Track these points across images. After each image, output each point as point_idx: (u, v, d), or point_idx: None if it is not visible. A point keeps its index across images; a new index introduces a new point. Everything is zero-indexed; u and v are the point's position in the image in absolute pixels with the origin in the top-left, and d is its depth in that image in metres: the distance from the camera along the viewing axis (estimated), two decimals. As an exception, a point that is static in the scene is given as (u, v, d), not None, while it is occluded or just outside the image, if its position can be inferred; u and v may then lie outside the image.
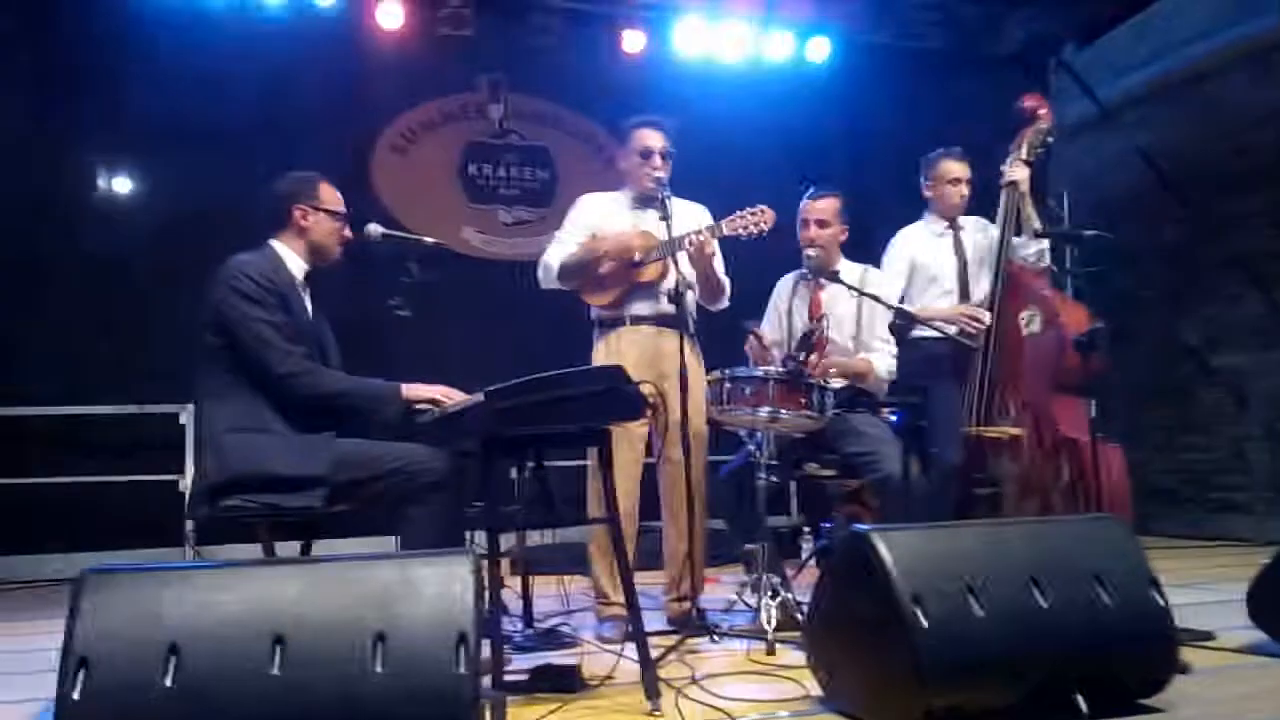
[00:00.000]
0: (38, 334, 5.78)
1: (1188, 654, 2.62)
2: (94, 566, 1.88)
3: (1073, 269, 3.93)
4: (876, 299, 3.65)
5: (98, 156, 6.20)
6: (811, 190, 4.03)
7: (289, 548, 3.05)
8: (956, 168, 4.21)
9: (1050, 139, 4.17)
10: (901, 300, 4.18)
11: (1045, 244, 4.09)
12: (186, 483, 5.55)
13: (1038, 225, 4.03)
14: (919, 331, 3.93)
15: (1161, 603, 2.31)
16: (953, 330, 3.85)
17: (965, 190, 4.22)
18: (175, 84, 5.98)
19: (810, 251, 3.87)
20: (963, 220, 4.26)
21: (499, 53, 6.86)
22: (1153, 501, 7.07)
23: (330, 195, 3.09)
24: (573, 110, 7.11)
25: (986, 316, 3.91)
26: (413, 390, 2.91)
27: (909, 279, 4.24)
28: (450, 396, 2.89)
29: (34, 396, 5.61)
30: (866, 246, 4.43)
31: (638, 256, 3.60)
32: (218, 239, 5.26)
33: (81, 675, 1.73)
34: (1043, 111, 4.13)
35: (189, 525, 5.48)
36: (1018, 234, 4.03)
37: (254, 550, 2.99)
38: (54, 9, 5.97)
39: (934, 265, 4.21)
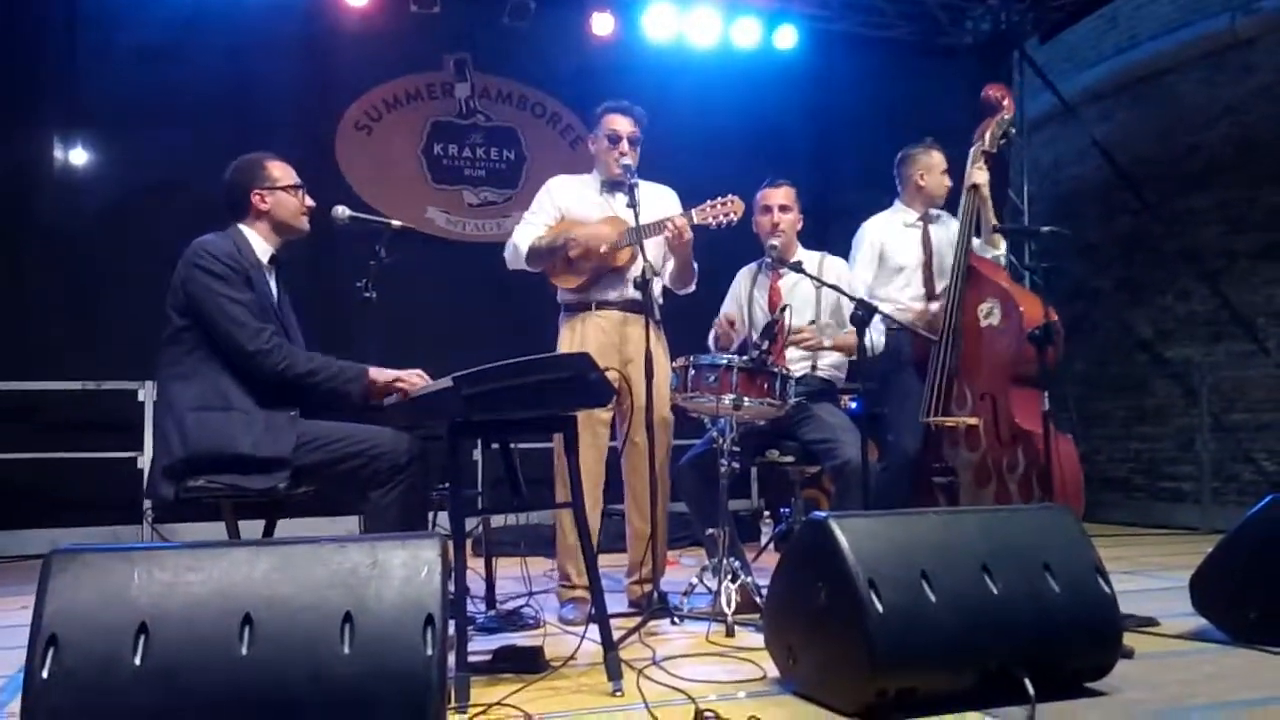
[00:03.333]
0: (-6, 309, 5.71)
1: (1132, 639, 2.71)
2: (63, 546, 1.88)
3: (1030, 264, 4.02)
4: (837, 289, 3.71)
5: (55, 130, 6.08)
6: (768, 179, 4.08)
7: (252, 526, 3.05)
8: (943, 158, 4.29)
9: (1012, 130, 4.25)
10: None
11: (1002, 250, 4.18)
12: (145, 460, 5.52)
13: (995, 223, 4.13)
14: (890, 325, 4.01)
15: (1107, 591, 2.39)
16: (909, 318, 3.95)
17: (949, 180, 4.29)
18: (135, 57, 5.91)
19: (774, 240, 3.92)
20: (935, 212, 4.32)
21: (467, 32, 6.83)
22: (1105, 489, 7.24)
23: (281, 171, 3.07)
24: (541, 91, 7.09)
25: (934, 306, 4.01)
26: (380, 373, 2.93)
27: (877, 268, 4.30)
28: (418, 380, 2.91)
29: (-11, 372, 5.55)
30: (828, 230, 4.49)
31: (604, 249, 3.62)
32: (176, 214, 5.29)
33: (51, 654, 1.74)
34: (1006, 102, 4.21)
35: (147, 503, 5.45)
36: (977, 234, 4.12)
37: (215, 528, 3.00)
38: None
39: (901, 257, 4.26)
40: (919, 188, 4.31)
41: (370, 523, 2.81)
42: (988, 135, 4.15)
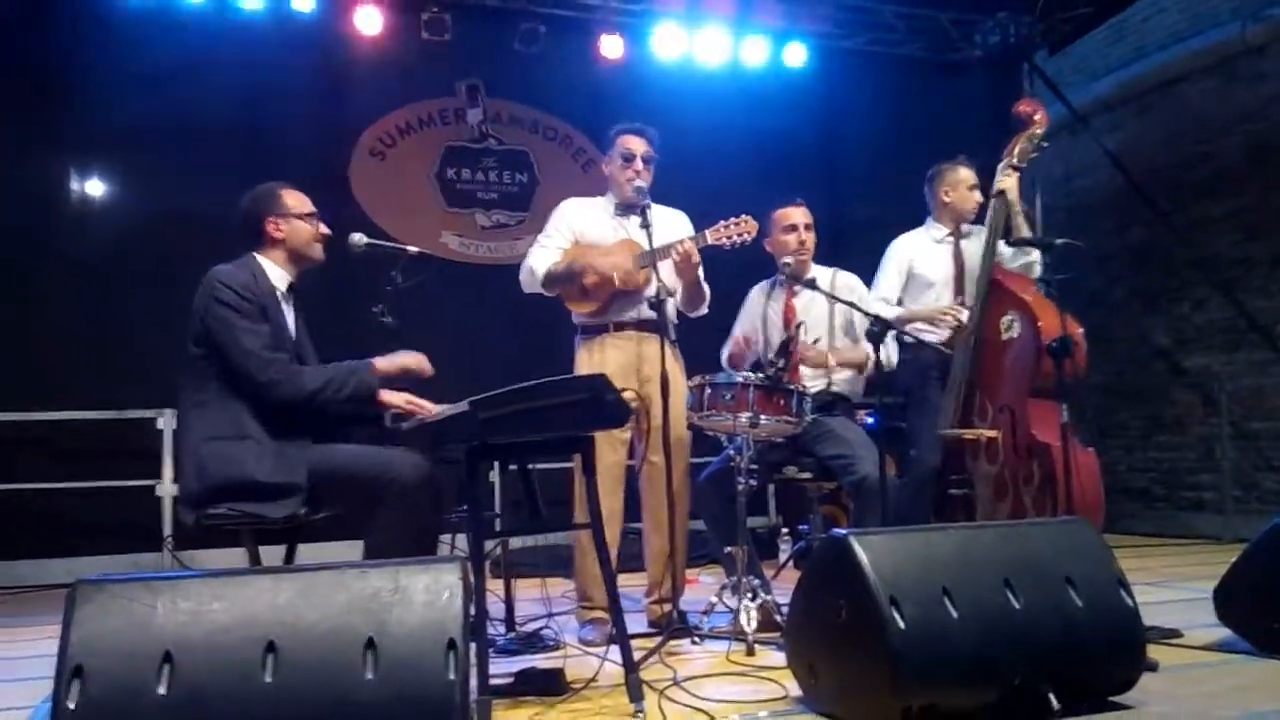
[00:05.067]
0: (13, 338, 5.76)
1: (1156, 651, 2.70)
2: (87, 577, 1.90)
3: (1045, 275, 4.01)
4: (853, 305, 3.71)
5: (73, 160, 6.16)
6: (784, 198, 4.09)
7: (272, 551, 3.06)
8: (971, 174, 4.28)
9: (1044, 145, 4.23)
10: (899, 303, 4.25)
11: (1035, 256, 4.14)
12: (164, 488, 5.55)
13: (1026, 233, 4.08)
14: (908, 340, 4.01)
15: (1130, 603, 2.37)
16: (932, 338, 3.93)
17: (980, 196, 4.28)
18: (151, 87, 5.97)
19: (788, 258, 3.92)
20: (967, 228, 4.32)
21: (478, 58, 6.88)
22: (1125, 500, 7.20)
23: (295, 200, 3.10)
24: (552, 114, 7.14)
25: (964, 314, 3.98)
26: (385, 362, 3.00)
27: (905, 284, 4.30)
28: (422, 365, 3.03)
29: (9, 401, 5.58)
30: (839, 246, 4.49)
31: (618, 281, 3.63)
32: (194, 243, 5.31)
33: (77, 685, 1.76)
34: (1038, 117, 4.18)
35: (167, 531, 5.48)
36: (1006, 239, 4.09)
37: (234, 555, 3.01)
38: (28, 10, 5.93)
39: (931, 272, 4.27)
40: (944, 204, 4.31)
41: (370, 545, 2.78)
42: (1017, 150, 4.12)
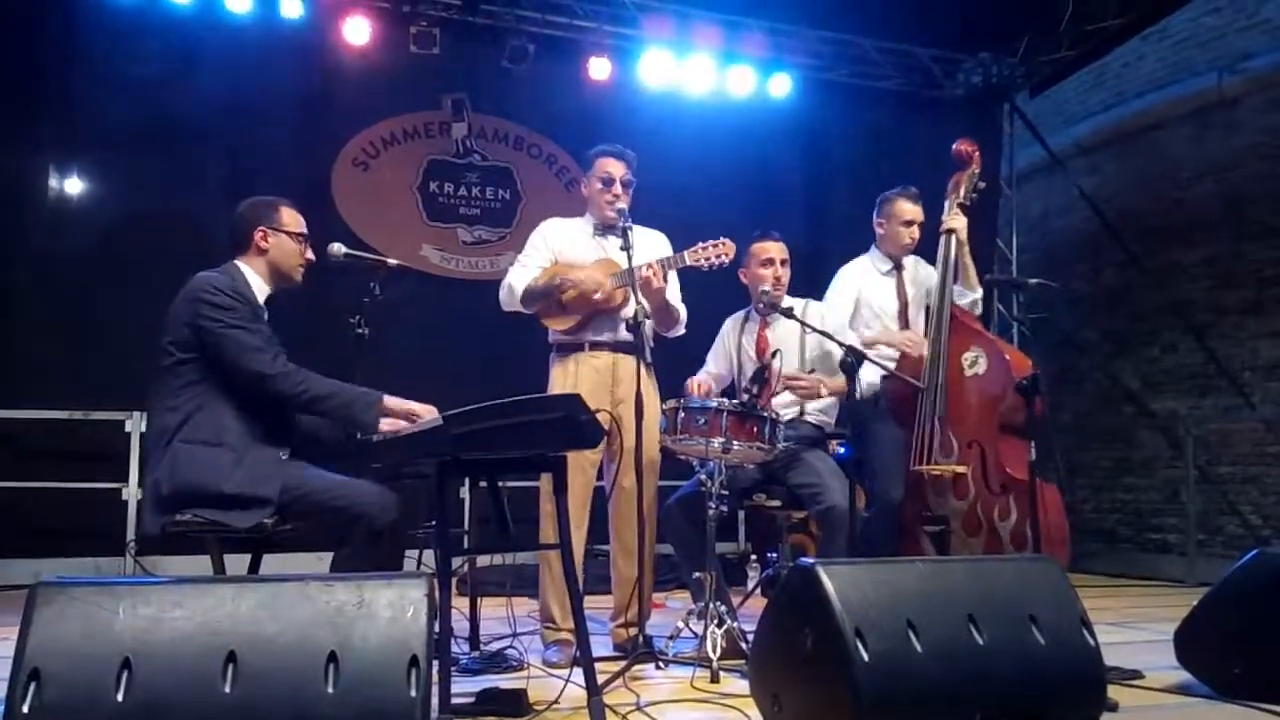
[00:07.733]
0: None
1: (1116, 692, 2.71)
2: (48, 579, 1.87)
3: (1019, 315, 4.05)
4: (829, 336, 3.73)
5: (51, 159, 6.09)
6: (760, 231, 4.09)
7: (236, 561, 3.03)
8: (910, 209, 4.27)
9: (981, 184, 4.30)
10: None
11: (978, 294, 4.21)
12: (130, 491, 5.49)
13: (973, 274, 4.17)
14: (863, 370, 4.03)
15: (1092, 643, 2.38)
16: (892, 350, 3.96)
17: (916, 233, 4.29)
18: (134, 88, 5.94)
19: (764, 287, 3.92)
20: (906, 260, 4.35)
21: (465, 73, 6.90)
22: (1090, 540, 7.25)
23: (291, 218, 3.09)
24: (537, 133, 7.15)
25: (924, 345, 4.01)
26: (395, 402, 2.92)
27: (853, 313, 4.31)
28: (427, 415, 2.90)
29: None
30: (819, 277, 4.50)
31: (598, 296, 3.63)
32: (171, 247, 5.31)
33: (32, 688, 1.73)
34: (976, 156, 4.27)
35: (131, 535, 5.42)
36: (955, 280, 4.15)
37: (198, 562, 2.98)
38: (10, 8, 5.89)
39: (877, 303, 4.29)
40: (881, 235, 4.35)
41: (335, 567, 2.78)
42: (961, 189, 4.21)
